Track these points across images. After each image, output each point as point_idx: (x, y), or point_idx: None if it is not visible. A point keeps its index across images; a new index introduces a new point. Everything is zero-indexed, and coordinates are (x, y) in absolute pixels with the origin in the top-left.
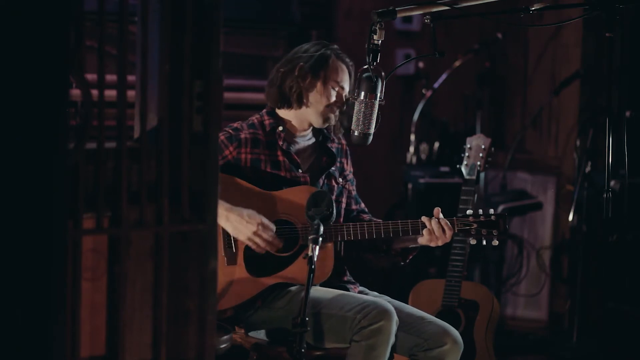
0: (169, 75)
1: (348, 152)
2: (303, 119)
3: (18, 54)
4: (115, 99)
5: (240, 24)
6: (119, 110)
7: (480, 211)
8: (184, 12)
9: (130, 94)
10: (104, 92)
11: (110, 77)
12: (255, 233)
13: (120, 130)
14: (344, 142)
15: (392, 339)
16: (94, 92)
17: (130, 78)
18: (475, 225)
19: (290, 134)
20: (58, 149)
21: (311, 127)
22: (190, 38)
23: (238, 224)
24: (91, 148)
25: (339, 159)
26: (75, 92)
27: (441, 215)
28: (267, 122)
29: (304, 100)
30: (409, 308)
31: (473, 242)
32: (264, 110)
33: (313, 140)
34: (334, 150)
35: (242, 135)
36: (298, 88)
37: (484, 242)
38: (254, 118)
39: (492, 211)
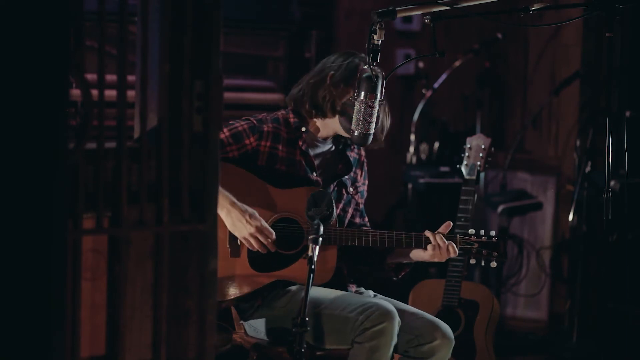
0: (169, 75)
1: (365, 164)
2: (331, 127)
3: (18, 54)
4: (115, 99)
5: (240, 24)
6: (119, 110)
7: (482, 232)
8: (184, 12)
9: (130, 94)
10: (104, 92)
11: (110, 77)
12: (251, 234)
13: (120, 130)
14: (363, 154)
15: (395, 340)
16: (94, 92)
17: (130, 78)
18: (476, 246)
19: (313, 136)
20: (58, 149)
21: (334, 134)
22: (190, 38)
23: (238, 220)
24: (91, 148)
25: (354, 169)
26: (75, 92)
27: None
28: (292, 120)
29: (338, 108)
30: (402, 305)
31: (472, 261)
32: (290, 108)
33: (332, 146)
34: (351, 159)
35: (265, 128)
36: (331, 97)
37: (483, 263)
38: (279, 114)
39: (493, 233)
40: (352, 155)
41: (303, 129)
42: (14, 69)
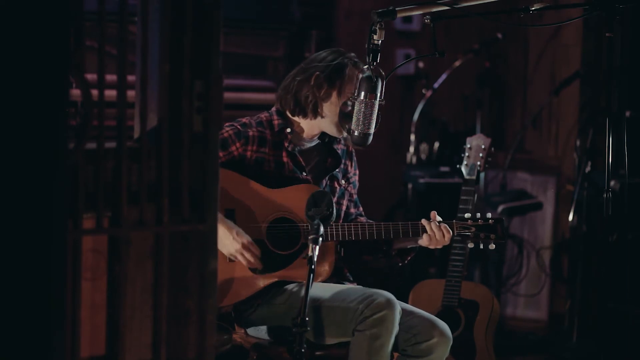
0: (169, 75)
1: (353, 154)
2: (316, 126)
3: (18, 54)
4: (115, 99)
5: (240, 24)
6: (119, 110)
7: (479, 215)
8: (184, 12)
9: (130, 94)
10: (104, 92)
11: (110, 77)
12: (237, 250)
13: (120, 130)
14: (349, 143)
15: (396, 329)
16: (94, 92)
17: (130, 78)
18: (473, 229)
19: (298, 136)
20: (58, 149)
21: (320, 133)
22: (190, 38)
23: (224, 238)
24: (91, 148)
25: (343, 161)
26: (75, 92)
27: (439, 218)
28: (275, 122)
29: (319, 111)
30: (400, 303)
31: (471, 245)
32: (274, 109)
33: (319, 141)
34: (339, 152)
35: (250, 133)
36: (314, 98)
37: (482, 246)
38: (263, 116)
39: (490, 215)
40: (340, 147)
41: (288, 130)
42: (14, 69)
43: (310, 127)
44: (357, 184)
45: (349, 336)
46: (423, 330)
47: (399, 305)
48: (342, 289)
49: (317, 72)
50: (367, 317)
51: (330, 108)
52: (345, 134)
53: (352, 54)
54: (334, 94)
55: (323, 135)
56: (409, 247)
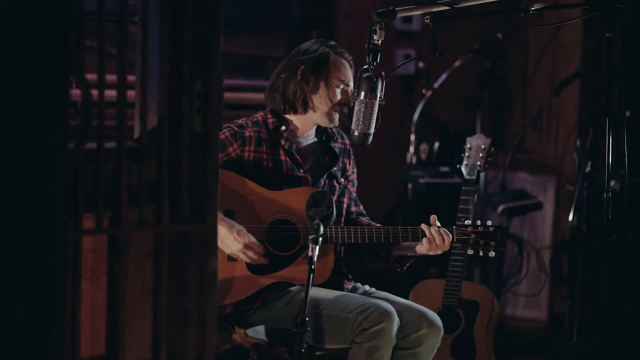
0: (169, 75)
1: (351, 152)
2: (309, 121)
3: (18, 54)
4: (115, 99)
5: (240, 24)
6: (119, 110)
7: (479, 222)
8: (184, 12)
9: (130, 94)
10: (104, 92)
11: (110, 77)
12: (239, 250)
13: (120, 130)
14: (347, 142)
15: (394, 341)
16: (94, 92)
17: (130, 78)
18: (473, 236)
19: (294, 133)
20: (58, 149)
21: (315, 127)
22: (190, 38)
23: (225, 237)
24: (91, 148)
25: (341, 159)
26: (75, 92)
27: (438, 223)
28: (270, 120)
29: (310, 104)
30: (393, 297)
31: (470, 252)
32: (268, 109)
33: (315, 139)
34: (337, 150)
35: (247, 133)
36: (302, 92)
37: (481, 253)
38: (258, 116)
39: (490, 222)
40: (337, 145)
41: (283, 128)
42: (14, 69)
43: (303, 122)
44: (355, 182)
45: (348, 344)
46: (412, 322)
47: (397, 316)
48: (341, 296)
49: (303, 66)
50: (365, 329)
51: (320, 99)
52: (336, 122)
53: (333, 43)
54: (322, 85)
55: (320, 133)
56: (408, 255)
